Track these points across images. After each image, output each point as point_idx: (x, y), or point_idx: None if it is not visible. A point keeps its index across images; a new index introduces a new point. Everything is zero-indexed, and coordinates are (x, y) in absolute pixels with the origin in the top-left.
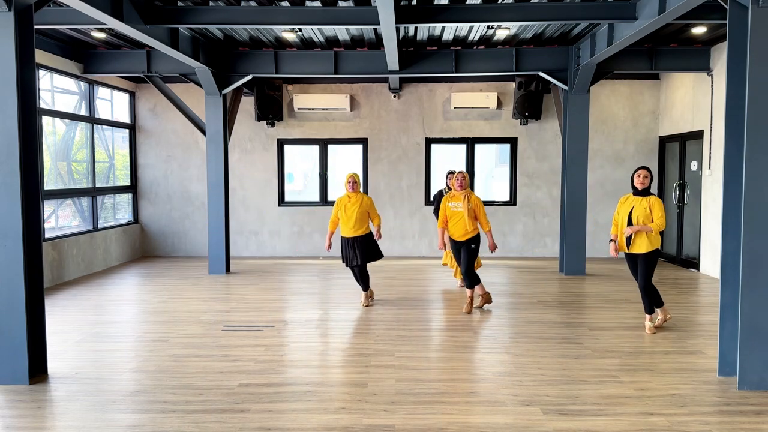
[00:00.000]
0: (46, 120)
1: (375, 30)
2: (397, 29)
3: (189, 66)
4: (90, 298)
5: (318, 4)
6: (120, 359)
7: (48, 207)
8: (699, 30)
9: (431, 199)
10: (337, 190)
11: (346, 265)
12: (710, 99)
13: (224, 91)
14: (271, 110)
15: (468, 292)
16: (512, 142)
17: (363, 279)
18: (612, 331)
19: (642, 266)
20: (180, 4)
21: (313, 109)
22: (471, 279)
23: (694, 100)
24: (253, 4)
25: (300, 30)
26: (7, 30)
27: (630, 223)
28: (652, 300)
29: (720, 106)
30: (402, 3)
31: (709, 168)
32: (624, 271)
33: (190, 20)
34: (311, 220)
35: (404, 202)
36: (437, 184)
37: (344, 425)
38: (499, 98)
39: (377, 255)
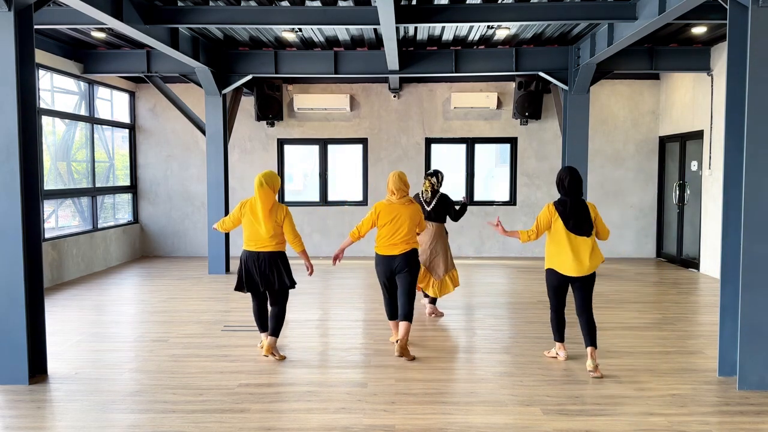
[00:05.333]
0: (46, 120)
1: (375, 30)
2: (397, 29)
3: (189, 66)
4: (90, 298)
5: (318, 4)
6: (120, 359)
7: (48, 207)
8: (699, 30)
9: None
10: (337, 190)
11: (249, 291)
12: (710, 99)
13: (224, 91)
14: (271, 110)
15: (405, 325)
16: (512, 142)
17: (278, 316)
18: (612, 331)
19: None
20: (180, 4)
21: (313, 109)
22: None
23: (694, 100)
24: (253, 4)
25: (300, 30)
26: (7, 30)
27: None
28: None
29: (720, 106)
30: (402, 3)
31: (709, 168)
32: (624, 271)
33: (190, 20)
34: (311, 220)
35: None
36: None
37: (344, 425)
38: (499, 98)
39: (291, 281)
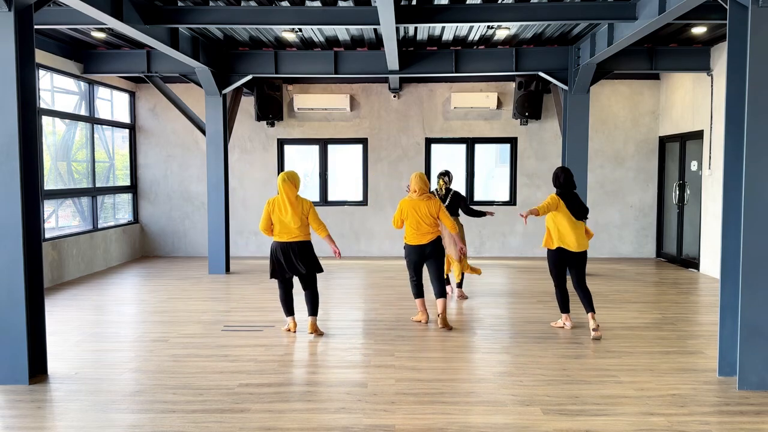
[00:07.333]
0: (46, 120)
1: (375, 30)
2: (397, 29)
3: (189, 66)
4: (90, 298)
5: (318, 4)
6: (120, 359)
7: (48, 207)
8: (699, 30)
9: None
10: (337, 190)
11: (280, 277)
12: (710, 99)
13: (224, 91)
14: (271, 110)
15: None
16: (512, 142)
17: (312, 298)
18: (612, 331)
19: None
20: (180, 4)
21: (313, 109)
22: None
23: (694, 100)
24: (253, 4)
25: (300, 30)
26: (7, 30)
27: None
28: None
29: (720, 106)
30: (402, 3)
31: (709, 168)
32: (624, 271)
33: (190, 20)
34: None
35: None
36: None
37: (344, 425)
38: (499, 98)
39: (319, 266)
